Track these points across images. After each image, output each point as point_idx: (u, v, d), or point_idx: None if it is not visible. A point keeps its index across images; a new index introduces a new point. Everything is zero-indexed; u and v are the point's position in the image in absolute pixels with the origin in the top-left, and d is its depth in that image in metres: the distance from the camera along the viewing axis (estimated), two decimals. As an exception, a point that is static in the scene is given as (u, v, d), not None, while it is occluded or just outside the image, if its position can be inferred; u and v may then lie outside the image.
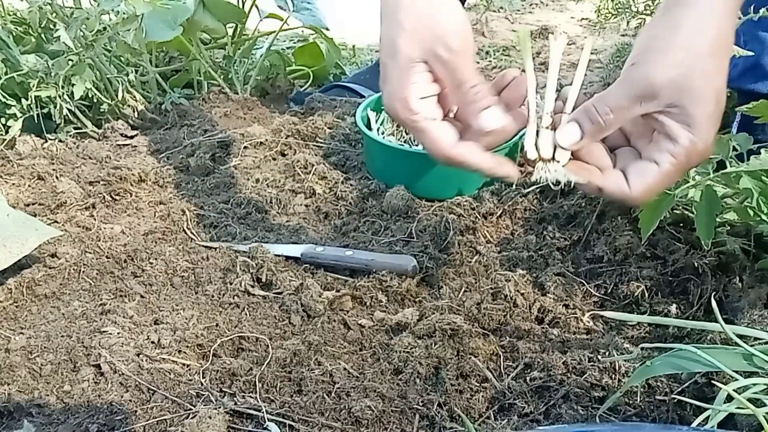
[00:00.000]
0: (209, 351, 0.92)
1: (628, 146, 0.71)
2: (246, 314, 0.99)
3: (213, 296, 1.02)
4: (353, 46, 2.07)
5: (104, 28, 1.48)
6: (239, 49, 1.72)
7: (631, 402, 0.81)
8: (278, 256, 1.08)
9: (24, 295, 1.04)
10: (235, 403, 0.83)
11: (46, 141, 1.47)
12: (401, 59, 0.71)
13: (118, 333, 0.93)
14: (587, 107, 0.67)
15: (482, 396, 0.84)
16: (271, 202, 1.24)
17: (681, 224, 1.05)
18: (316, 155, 1.37)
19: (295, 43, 2.08)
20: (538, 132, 0.70)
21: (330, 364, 0.88)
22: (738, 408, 0.64)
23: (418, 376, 0.86)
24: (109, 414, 0.83)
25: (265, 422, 0.81)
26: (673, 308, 0.95)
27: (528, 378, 0.85)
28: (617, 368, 0.84)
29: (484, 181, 1.26)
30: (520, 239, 1.12)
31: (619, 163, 0.69)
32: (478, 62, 2.31)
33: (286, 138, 1.41)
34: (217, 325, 0.96)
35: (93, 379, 0.88)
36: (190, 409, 0.83)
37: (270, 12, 1.69)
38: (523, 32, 0.70)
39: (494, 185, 1.25)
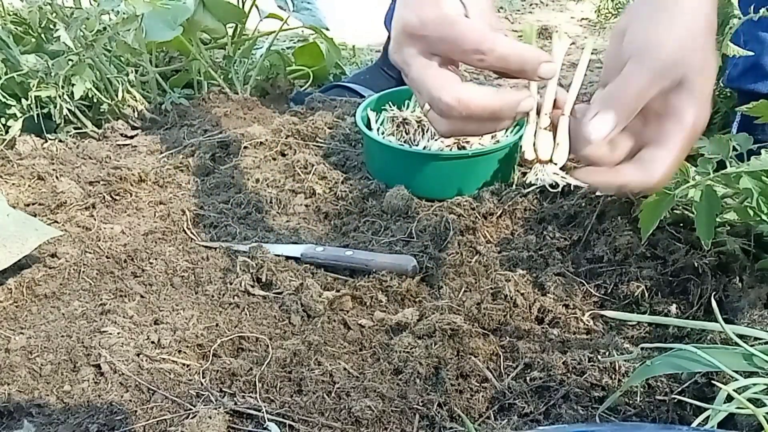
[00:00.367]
0: (209, 351, 0.92)
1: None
2: (246, 314, 0.99)
3: (213, 296, 1.02)
4: (353, 46, 2.07)
5: (104, 28, 1.48)
6: (239, 49, 1.72)
7: (631, 402, 0.80)
8: (278, 256, 1.08)
9: (24, 295, 1.04)
10: (235, 403, 0.83)
11: (46, 141, 1.48)
12: (399, 31, 0.64)
13: (118, 333, 0.93)
14: (614, 95, 0.64)
15: (482, 396, 0.84)
16: (271, 202, 1.24)
17: (681, 224, 1.05)
18: (316, 155, 1.37)
19: (295, 43, 2.08)
20: (535, 133, 0.69)
21: (330, 364, 0.88)
22: (738, 408, 0.64)
23: (418, 376, 0.86)
24: (109, 414, 0.83)
25: (265, 422, 0.81)
26: (673, 308, 0.95)
27: (528, 378, 0.85)
28: (617, 368, 0.84)
29: (484, 181, 1.26)
30: (520, 239, 1.12)
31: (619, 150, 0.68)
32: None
33: (286, 138, 1.41)
34: (217, 325, 0.96)
35: (93, 379, 0.88)
36: (190, 409, 0.83)
37: (270, 12, 1.69)
38: (529, 28, 0.69)
39: (494, 185, 1.25)
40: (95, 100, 1.56)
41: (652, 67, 0.64)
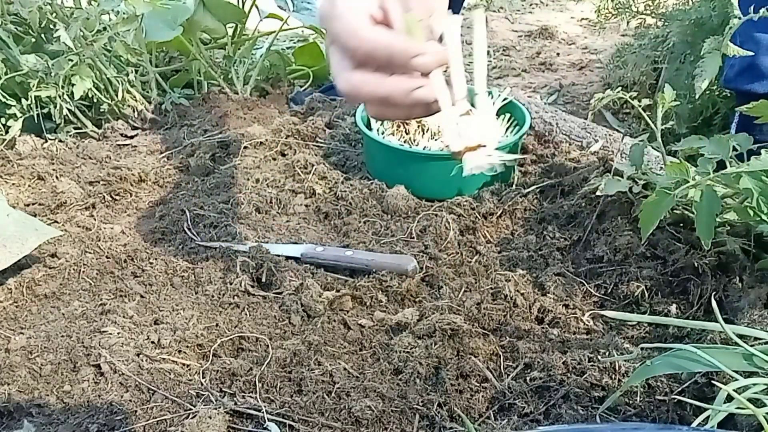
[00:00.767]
0: (209, 351, 0.92)
1: None
2: (246, 314, 0.99)
3: (213, 296, 1.02)
4: (353, 46, 2.07)
5: (104, 28, 1.48)
6: (239, 49, 1.72)
7: (631, 402, 0.81)
8: (278, 256, 1.08)
9: (24, 295, 1.04)
10: (235, 403, 0.83)
11: (46, 141, 1.48)
12: None
13: (118, 333, 0.93)
14: None
15: (482, 396, 0.84)
16: (271, 202, 1.24)
17: (681, 224, 1.05)
18: (316, 155, 1.37)
19: (295, 43, 2.08)
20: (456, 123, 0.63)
21: (330, 364, 0.88)
22: (738, 408, 0.64)
23: (418, 376, 0.86)
24: (109, 414, 0.83)
25: (265, 422, 0.81)
26: (673, 308, 0.95)
27: (528, 378, 0.85)
28: (617, 368, 0.84)
29: (484, 181, 1.26)
30: (520, 239, 1.12)
31: None
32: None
33: (286, 138, 1.41)
34: (217, 325, 0.96)
35: (93, 379, 0.88)
36: (190, 409, 0.83)
37: (270, 12, 1.69)
38: (410, 19, 0.61)
39: (494, 185, 1.25)
40: (95, 100, 1.56)
41: None
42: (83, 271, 1.08)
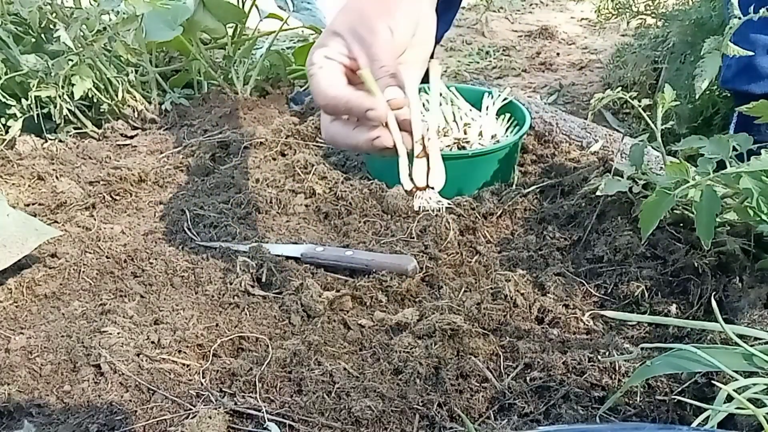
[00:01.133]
0: (209, 351, 0.92)
1: None
2: (246, 314, 0.99)
3: (213, 296, 1.02)
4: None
5: (104, 28, 1.48)
6: (239, 49, 1.72)
7: (631, 402, 0.80)
8: (278, 256, 1.08)
9: (24, 295, 1.04)
10: (235, 403, 0.83)
11: (46, 141, 1.48)
12: (327, 29, 0.78)
13: (118, 333, 0.93)
14: None
15: (482, 396, 0.84)
16: (271, 202, 1.24)
17: (681, 224, 1.05)
18: (316, 155, 1.37)
19: (295, 43, 2.08)
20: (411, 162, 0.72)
21: (330, 364, 0.88)
22: (738, 408, 0.64)
23: (418, 376, 0.86)
24: (109, 414, 0.83)
25: (265, 422, 0.81)
26: (673, 308, 0.95)
27: (528, 378, 0.85)
28: (617, 368, 0.84)
29: (484, 181, 1.26)
30: (520, 239, 1.12)
31: None
32: (478, 62, 2.31)
33: (286, 138, 1.42)
34: (217, 325, 0.96)
35: (93, 379, 0.88)
36: (190, 409, 0.83)
37: (270, 12, 1.69)
38: (366, 73, 0.71)
39: (494, 185, 1.25)
40: (95, 100, 1.56)
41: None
42: (83, 271, 1.08)
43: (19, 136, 1.45)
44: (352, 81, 0.75)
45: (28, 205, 1.25)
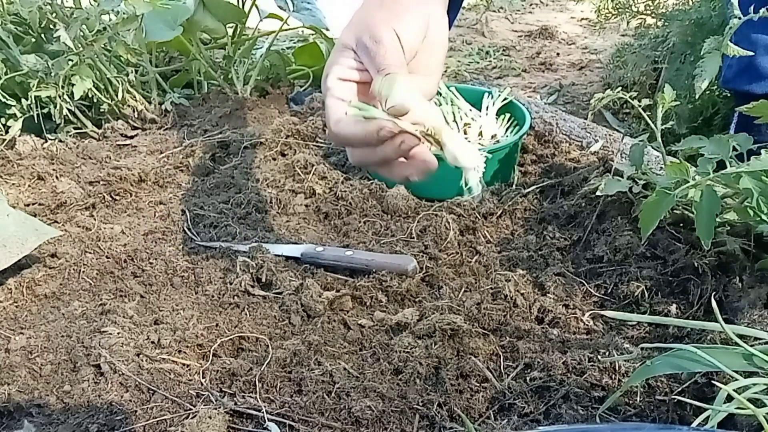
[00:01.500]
0: (209, 351, 0.92)
1: None
2: (246, 314, 0.99)
3: (213, 296, 1.02)
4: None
5: (104, 28, 1.48)
6: (239, 49, 1.72)
7: (631, 402, 0.80)
8: (278, 256, 1.08)
9: (24, 295, 1.04)
10: (235, 403, 0.83)
11: (46, 141, 1.48)
12: (338, 43, 0.78)
13: (118, 333, 0.93)
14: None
15: (482, 396, 0.84)
16: (271, 202, 1.24)
17: (681, 224, 1.05)
18: (316, 155, 1.37)
19: (295, 43, 2.08)
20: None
21: (330, 364, 0.88)
22: (738, 408, 0.64)
23: (418, 376, 0.86)
24: (109, 414, 0.83)
25: (265, 422, 0.81)
26: (673, 308, 0.95)
27: (528, 378, 0.85)
28: (617, 368, 0.84)
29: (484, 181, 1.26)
30: (520, 239, 1.12)
31: None
32: (478, 62, 2.31)
33: (286, 138, 1.41)
34: (217, 325, 0.96)
35: (93, 379, 0.88)
36: (190, 409, 0.83)
37: (270, 12, 1.69)
38: (354, 109, 0.72)
39: (494, 185, 1.25)
40: (95, 100, 1.56)
41: None
42: (83, 271, 1.08)
43: (19, 136, 1.45)
44: (367, 94, 0.75)
45: (28, 205, 1.25)
